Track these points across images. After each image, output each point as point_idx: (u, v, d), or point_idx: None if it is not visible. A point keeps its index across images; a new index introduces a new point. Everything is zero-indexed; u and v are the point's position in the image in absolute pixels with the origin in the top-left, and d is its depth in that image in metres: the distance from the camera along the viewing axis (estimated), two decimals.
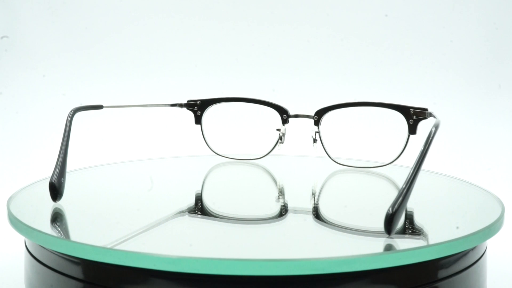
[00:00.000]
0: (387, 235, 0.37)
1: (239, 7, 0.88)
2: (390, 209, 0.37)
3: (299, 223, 0.43)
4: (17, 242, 0.49)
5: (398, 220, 0.38)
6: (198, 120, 0.59)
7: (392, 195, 0.50)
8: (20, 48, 0.84)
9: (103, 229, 0.42)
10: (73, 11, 0.86)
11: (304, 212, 0.46)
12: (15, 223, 0.41)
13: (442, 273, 0.38)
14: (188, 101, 0.59)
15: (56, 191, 0.45)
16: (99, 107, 0.56)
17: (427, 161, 0.50)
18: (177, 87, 0.86)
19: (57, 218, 0.43)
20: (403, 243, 0.40)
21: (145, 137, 0.83)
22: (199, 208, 0.47)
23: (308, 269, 0.34)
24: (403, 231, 0.41)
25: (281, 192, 0.51)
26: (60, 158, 0.47)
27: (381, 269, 0.36)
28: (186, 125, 0.64)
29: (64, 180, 0.46)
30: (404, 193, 0.38)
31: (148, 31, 0.88)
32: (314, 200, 0.48)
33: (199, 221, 0.44)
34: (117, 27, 0.87)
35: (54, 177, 0.45)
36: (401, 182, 0.51)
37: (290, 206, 0.47)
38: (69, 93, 0.84)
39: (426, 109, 0.52)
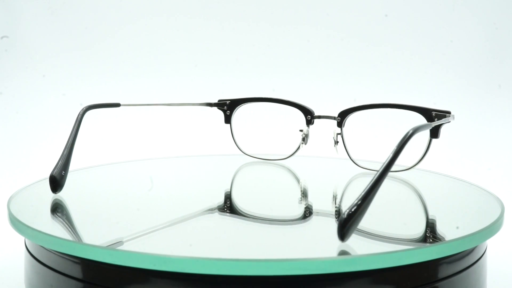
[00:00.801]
0: (340, 241, 0.36)
1: (239, 7, 0.88)
2: (345, 213, 0.35)
3: (319, 225, 0.43)
4: (17, 242, 0.49)
5: (353, 225, 0.36)
6: (227, 120, 0.59)
7: (410, 200, 0.50)
8: (20, 48, 0.84)
9: (126, 228, 0.42)
10: (73, 11, 0.86)
11: (325, 214, 0.45)
12: (15, 223, 0.41)
13: (442, 273, 0.38)
14: (219, 100, 0.60)
15: (55, 183, 0.46)
16: (116, 105, 0.55)
17: (427, 161, 0.50)
18: (177, 87, 0.86)
19: (65, 215, 0.44)
20: (403, 243, 0.40)
21: (166, 135, 0.84)
22: (227, 206, 0.47)
23: (308, 269, 0.34)
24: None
25: (304, 194, 0.51)
26: (65, 152, 0.48)
27: (381, 269, 0.36)
28: (202, 124, 0.64)
29: (65, 173, 0.47)
30: (362, 198, 0.36)
31: (148, 31, 0.88)
32: (335, 204, 0.48)
33: (225, 219, 0.44)
34: (117, 27, 0.87)
35: (56, 169, 0.46)
36: (421, 187, 0.51)
37: (309, 208, 0.46)
38: (69, 93, 0.84)
39: (449, 112, 0.51)
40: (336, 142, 0.54)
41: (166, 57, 0.87)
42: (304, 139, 0.55)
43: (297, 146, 0.56)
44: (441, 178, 0.54)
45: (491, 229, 0.40)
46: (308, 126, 0.55)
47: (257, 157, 0.59)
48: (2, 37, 0.83)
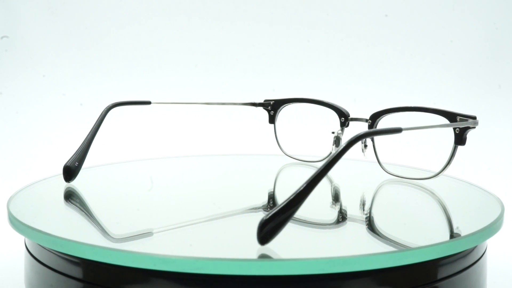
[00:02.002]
0: (260, 244, 0.35)
1: (239, 7, 0.88)
2: (265, 216, 0.35)
3: (349, 231, 0.43)
4: (17, 242, 0.49)
5: (273, 230, 0.35)
6: (271, 120, 0.59)
7: (410, 200, 0.50)
8: (20, 48, 0.84)
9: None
10: (73, 11, 0.86)
11: (357, 220, 0.45)
12: (15, 223, 0.41)
13: (442, 273, 0.38)
14: (265, 100, 0.59)
15: (68, 172, 0.49)
16: (147, 103, 0.55)
17: (426, 161, 0.50)
18: (177, 87, 0.86)
19: (83, 207, 0.44)
20: (403, 243, 0.40)
21: (199, 134, 0.84)
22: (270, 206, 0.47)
23: (308, 269, 0.34)
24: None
25: (335, 199, 0.50)
26: (83, 144, 0.50)
27: (381, 269, 0.36)
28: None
29: (79, 165, 0.50)
30: (287, 203, 0.35)
31: (148, 31, 0.88)
32: (364, 210, 0.47)
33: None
34: (117, 27, 0.87)
35: (70, 160, 0.49)
36: (421, 187, 0.51)
37: (343, 213, 0.46)
38: (69, 93, 0.84)
39: (474, 117, 0.49)
40: (365, 146, 0.53)
41: (166, 57, 0.87)
42: (336, 141, 0.54)
43: (330, 149, 0.55)
44: (441, 178, 0.54)
45: (491, 229, 0.40)
46: (341, 128, 0.54)
47: (295, 158, 0.59)
48: (2, 37, 0.83)
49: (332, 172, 0.57)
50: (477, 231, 0.39)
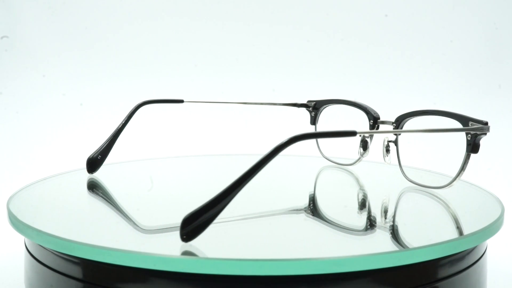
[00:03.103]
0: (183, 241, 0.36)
1: (239, 7, 0.88)
2: (187, 214, 0.36)
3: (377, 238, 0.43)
4: (17, 242, 0.49)
5: (196, 228, 0.35)
6: (313, 121, 0.58)
7: (409, 200, 0.49)
8: (20, 48, 0.84)
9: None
10: (73, 11, 0.86)
11: (383, 228, 0.44)
12: (15, 223, 0.41)
13: (442, 273, 0.38)
14: (308, 101, 0.58)
15: (90, 164, 0.52)
16: (180, 101, 0.56)
17: (426, 161, 0.49)
18: (177, 87, 0.86)
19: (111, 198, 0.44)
20: (402, 243, 0.40)
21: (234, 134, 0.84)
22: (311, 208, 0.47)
23: (308, 269, 0.34)
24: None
25: (363, 205, 0.49)
26: (108, 139, 0.52)
27: (381, 269, 0.36)
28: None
29: (102, 158, 0.52)
30: (210, 203, 0.36)
31: (148, 31, 0.88)
32: (385, 219, 0.46)
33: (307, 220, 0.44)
34: (117, 27, 0.87)
35: (94, 153, 0.52)
36: (445, 195, 0.50)
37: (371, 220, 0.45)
38: (69, 93, 0.84)
39: (486, 123, 0.46)
40: (387, 151, 0.50)
41: (166, 57, 0.87)
42: (363, 145, 0.53)
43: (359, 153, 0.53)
44: (441, 178, 0.54)
45: (491, 229, 0.40)
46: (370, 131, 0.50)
47: (331, 160, 0.58)
48: (2, 37, 0.83)
49: (366, 177, 0.57)
50: (477, 231, 0.39)
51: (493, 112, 0.83)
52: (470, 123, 0.47)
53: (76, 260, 0.38)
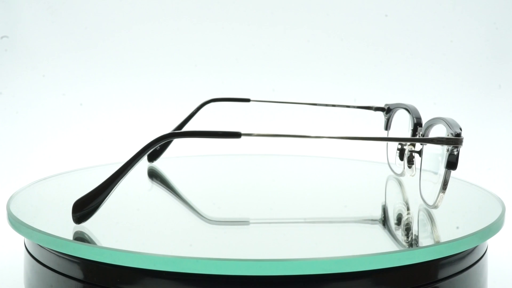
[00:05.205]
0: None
1: (240, 8, 0.88)
2: (77, 200, 0.39)
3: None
4: (17, 242, 0.49)
5: (84, 213, 0.39)
6: (386, 126, 0.53)
7: (410, 200, 0.49)
8: (20, 48, 0.84)
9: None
10: (73, 11, 0.86)
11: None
12: (15, 223, 0.41)
13: (442, 273, 0.38)
14: (385, 104, 0.53)
15: (149, 156, 0.55)
16: (246, 100, 0.55)
17: (426, 161, 0.49)
18: (177, 87, 0.86)
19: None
20: (402, 243, 0.40)
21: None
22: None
23: (308, 269, 0.34)
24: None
25: (398, 222, 0.46)
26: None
27: (381, 269, 0.36)
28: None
29: (161, 149, 0.55)
30: (98, 189, 0.39)
31: (148, 31, 0.88)
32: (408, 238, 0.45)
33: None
34: (117, 27, 0.87)
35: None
36: (445, 195, 0.49)
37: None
38: (69, 93, 0.84)
39: (458, 134, 0.40)
40: (410, 162, 0.46)
41: (166, 57, 0.87)
42: (408, 158, 0.48)
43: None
44: (441, 177, 0.54)
45: (491, 229, 0.40)
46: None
47: (392, 169, 0.53)
48: (2, 37, 0.83)
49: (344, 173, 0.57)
50: (477, 231, 0.39)
51: (493, 112, 0.83)
52: (449, 133, 0.40)
53: (76, 260, 0.38)
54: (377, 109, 0.53)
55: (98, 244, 0.37)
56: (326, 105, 0.55)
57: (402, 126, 0.51)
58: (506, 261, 0.55)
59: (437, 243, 0.38)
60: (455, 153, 0.40)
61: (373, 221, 0.44)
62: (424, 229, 0.43)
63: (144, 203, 0.49)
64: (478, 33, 0.85)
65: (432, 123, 0.43)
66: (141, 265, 0.35)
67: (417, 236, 0.41)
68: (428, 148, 0.44)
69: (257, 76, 0.87)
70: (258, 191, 0.53)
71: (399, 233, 0.42)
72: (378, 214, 0.46)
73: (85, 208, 0.39)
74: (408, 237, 0.41)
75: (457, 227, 0.43)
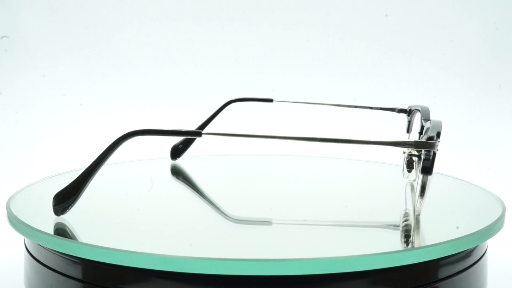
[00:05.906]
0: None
1: (240, 8, 0.88)
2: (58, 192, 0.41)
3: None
4: (17, 242, 0.49)
5: (60, 200, 0.41)
6: (407, 128, 0.50)
7: (410, 199, 0.49)
8: (20, 48, 0.84)
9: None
10: (73, 11, 0.86)
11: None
12: (15, 223, 0.41)
13: (442, 273, 0.38)
14: (409, 107, 0.51)
15: (173, 152, 0.56)
16: (269, 100, 0.55)
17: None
18: (177, 87, 0.86)
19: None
20: (401, 243, 0.40)
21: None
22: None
23: (308, 269, 0.34)
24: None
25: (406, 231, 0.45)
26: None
27: (381, 269, 0.36)
28: None
29: (183, 147, 0.56)
30: (76, 182, 0.41)
31: (148, 31, 0.88)
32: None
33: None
34: (117, 27, 0.87)
35: (178, 142, 0.55)
36: (445, 195, 0.49)
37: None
38: (69, 93, 0.84)
39: (431, 137, 0.39)
40: (410, 165, 0.46)
41: (166, 57, 0.87)
42: (408, 162, 0.48)
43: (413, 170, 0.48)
44: (441, 178, 0.54)
45: (492, 229, 0.40)
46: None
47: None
48: (2, 37, 0.83)
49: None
50: (477, 231, 0.39)
51: (493, 112, 0.83)
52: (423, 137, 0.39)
53: (76, 260, 0.38)
54: (400, 111, 0.51)
55: (98, 244, 0.37)
56: (349, 106, 0.55)
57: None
58: (506, 261, 0.55)
59: (434, 244, 0.38)
60: (429, 157, 0.38)
61: (377, 222, 0.44)
62: (424, 229, 0.43)
63: (144, 203, 0.49)
64: (478, 33, 0.85)
65: (428, 125, 0.43)
66: (141, 265, 0.35)
67: (417, 236, 0.41)
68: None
69: (257, 76, 0.87)
70: (274, 191, 0.53)
71: (399, 233, 0.42)
72: (385, 215, 0.46)
73: (62, 203, 0.41)
74: (408, 237, 0.41)
75: (457, 227, 0.43)
